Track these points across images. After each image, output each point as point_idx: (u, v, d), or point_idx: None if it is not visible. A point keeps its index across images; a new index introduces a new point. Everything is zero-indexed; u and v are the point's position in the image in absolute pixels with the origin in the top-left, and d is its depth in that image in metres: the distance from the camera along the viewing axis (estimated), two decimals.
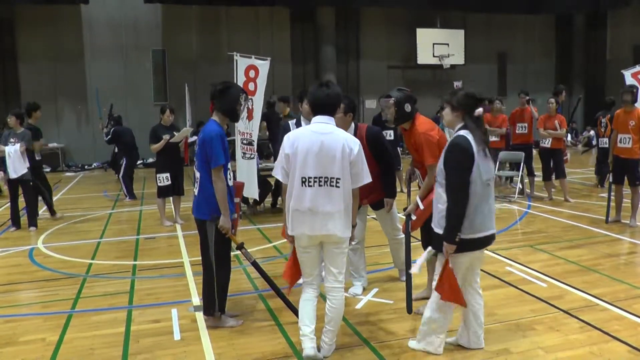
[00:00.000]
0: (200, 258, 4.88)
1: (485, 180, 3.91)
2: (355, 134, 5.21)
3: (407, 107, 4.91)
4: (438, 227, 4.03)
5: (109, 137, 12.52)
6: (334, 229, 3.94)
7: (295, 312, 4.80)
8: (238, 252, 5.03)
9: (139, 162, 14.80)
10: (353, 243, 5.56)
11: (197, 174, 4.72)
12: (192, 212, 4.89)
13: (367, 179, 4.03)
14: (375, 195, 5.47)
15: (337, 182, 3.91)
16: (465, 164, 3.85)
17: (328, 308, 4.11)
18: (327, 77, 19.72)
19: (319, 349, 4.14)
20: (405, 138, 5.18)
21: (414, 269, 4.34)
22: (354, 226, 4.15)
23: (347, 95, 5.30)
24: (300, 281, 4.26)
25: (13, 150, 8.78)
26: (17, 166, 8.82)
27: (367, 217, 5.87)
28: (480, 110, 4.02)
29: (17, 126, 9.08)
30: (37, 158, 9.66)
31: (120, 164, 12.33)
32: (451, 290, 4.02)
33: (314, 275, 4.17)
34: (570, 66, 23.90)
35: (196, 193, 4.75)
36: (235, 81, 9.94)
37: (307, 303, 4.14)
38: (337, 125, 4.98)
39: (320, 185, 3.91)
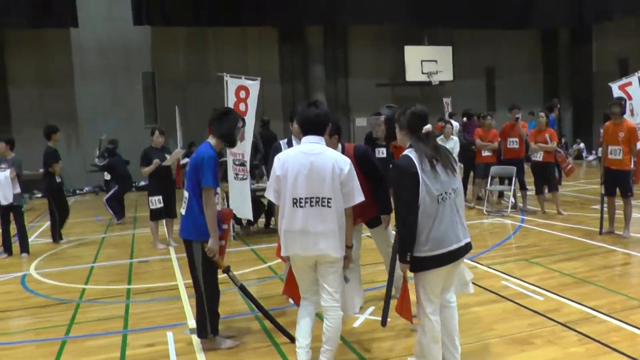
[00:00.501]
0: None
1: (438, 196, 3.84)
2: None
3: None
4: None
5: (102, 166, 12.89)
6: (326, 248, 3.92)
7: (286, 334, 4.79)
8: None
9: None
10: (352, 265, 5.57)
11: (186, 194, 4.70)
12: (179, 233, 4.85)
13: (359, 197, 4.02)
14: (368, 213, 5.47)
15: (328, 202, 3.90)
16: (406, 185, 3.82)
17: (325, 327, 4.08)
18: (316, 96, 19.81)
19: None
20: (396, 155, 5.18)
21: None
22: (349, 247, 4.12)
23: (334, 119, 5.27)
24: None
25: (3, 177, 8.71)
26: (7, 193, 8.74)
27: (362, 235, 5.84)
28: (428, 127, 4.00)
29: (8, 152, 9.03)
30: (57, 180, 9.84)
31: (110, 188, 12.44)
32: (407, 311, 4.05)
33: (312, 291, 4.16)
34: (557, 80, 24.15)
35: (183, 213, 4.72)
36: (225, 102, 9.98)
37: (304, 318, 4.13)
38: None
39: (311, 206, 3.90)
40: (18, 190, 8.90)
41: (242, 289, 4.99)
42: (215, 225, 4.57)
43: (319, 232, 3.90)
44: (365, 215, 5.46)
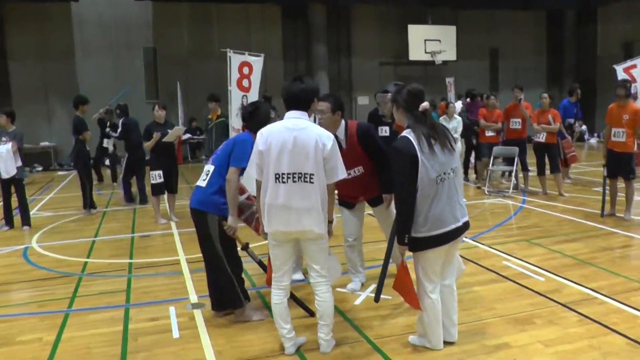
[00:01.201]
0: (198, 255, 4.87)
1: (437, 177, 3.84)
2: (345, 132, 5.20)
3: None
4: None
5: (120, 130, 11.32)
6: (309, 224, 3.92)
7: (306, 308, 4.80)
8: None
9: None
10: (350, 240, 5.59)
11: (210, 167, 4.71)
12: (191, 204, 4.82)
13: (341, 174, 4.00)
14: (371, 191, 5.47)
15: (310, 178, 3.88)
16: (403, 166, 3.83)
17: (317, 303, 4.13)
18: (319, 75, 19.74)
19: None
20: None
21: None
22: (330, 222, 4.11)
23: (332, 94, 5.24)
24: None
25: (5, 150, 8.69)
26: (9, 166, 8.73)
27: (364, 213, 5.85)
28: (425, 104, 3.99)
29: (9, 125, 9.00)
30: (87, 148, 10.22)
31: (119, 159, 11.98)
32: (402, 286, 4.10)
33: (284, 270, 4.14)
34: (561, 62, 23.97)
35: (203, 185, 4.70)
36: (228, 78, 9.95)
37: (277, 306, 4.15)
38: (326, 125, 4.98)
39: (294, 182, 3.89)
40: (19, 163, 8.90)
41: (261, 265, 5.00)
42: (235, 204, 4.57)
43: (302, 207, 3.89)
44: (368, 193, 5.46)
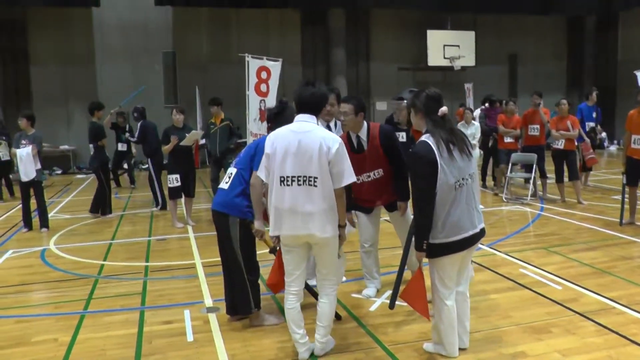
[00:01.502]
0: (214, 259, 4.87)
1: (455, 183, 3.81)
2: (367, 133, 5.21)
3: None
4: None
5: (137, 133, 11.12)
6: (315, 228, 3.90)
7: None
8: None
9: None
10: (366, 245, 5.56)
11: (233, 171, 4.72)
12: (213, 206, 4.82)
13: (349, 178, 3.95)
14: (387, 196, 5.44)
15: (314, 181, 3.86)
16: (425, 173, 3.79)
17: (319, 305, 4.13)
18: (337, 79, 19.76)
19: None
20: (417, 139, 5.14)
21: None
22: (342, 226, 4.07)
23: (354, 95, 5.28)
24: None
25: (25, 154, 8.77)
26: (28, 169, 8.79)
27: (380, 219, 5.82)
28: (444, 109, 3.97)
29: (29, 128, 9.08)
30: (106, 154, 10.31)
31: (140, 167, 12.00)
32: (413, 295, 4.06)
33: (296, 275, 4.14)
34: (582, 68, 23.73)
35: (226, 188, 4.71)
36: (247, 83, 9.98)
37: (290, 311, 4.14)
38: (349, 126, 5.03)
39: (299, 185, 3.88)
40: (39, 166, 8.97)
41: None
42: (261, 208, 4.54)
43: (307, 212, 3.88)
44: (384, 198, 5.44)
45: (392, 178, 5.32)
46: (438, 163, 3.77)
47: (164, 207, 10.72)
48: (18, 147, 8.91)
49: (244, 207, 4.62)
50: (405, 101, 4.90)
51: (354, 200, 5.45)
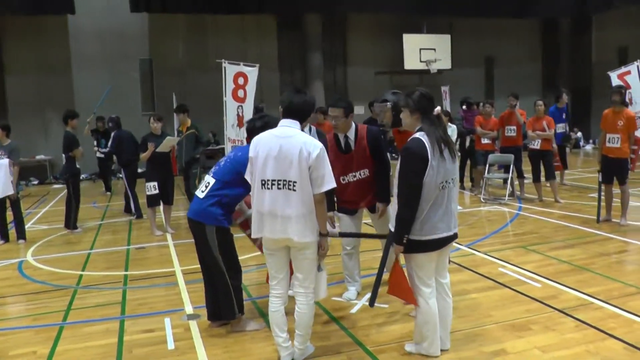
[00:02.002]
0: (193, 266, 4.84)
1: (440, 184, 3.87)
2: (355, 134, 5.31)
3: None
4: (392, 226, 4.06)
5: (111, 143, 11.18)
6: (292, 233, 3.91)
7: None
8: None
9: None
10: (348, 248, 5.58)
11: (211, 180, 4.68)
12: (188, 213, 4.79)
13: (328, 185, 3.94)
14: (370, 197, 5.47)
15: (293, 186, 3.88)
16: (415, 168, 3.84)
17: (296, 313, 4.11)
18: (315, 84, 19.79)
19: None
20: (398, 141, 5.19)
21: None
22: (323, 235, 4.05)
23: (341, 97, 5.44)
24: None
25: (3, 167, 8.58)
26: (6, 184, 8.58)
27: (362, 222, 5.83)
28: (438, 108, 4.03)
29: (4, 138, 8.92)
30: (77, 166, 9.74)
31: (118, 176, 11.74)
32: (398, 288, 4.10)
33: (279, 279, 4.14)
34: (557, 69, 24.03)
35: (202, 196, 4.67)
36: (224, 89, 9.96)
37: (274, 314, 4.14)
38: (340, 128, 5.20)
39: (279, 189, 3.90)
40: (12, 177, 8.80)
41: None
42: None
43: (286, 215, 3.89)
44: (368, 199, 5.47)
45: (376, 178, 5.36)
46: (429, 161, 3.82)
47: (139, 217, 10.66)
48: None
49: (219, 215, 4.60)
50: (389, 103, 4.95)
51: (339, 202, 5.51)
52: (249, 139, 4.76)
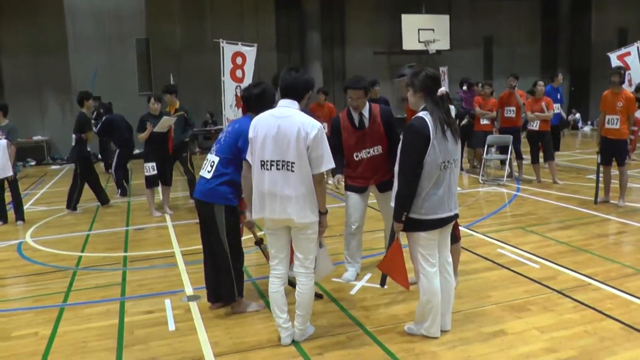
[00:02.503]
0: (193, 247, 4.84)
1: (442, 163, 3.89)
2: (370, 112, 5.41)
3: None
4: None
5: (100, 127, 11.52)
6: (292, 213, 3.91)
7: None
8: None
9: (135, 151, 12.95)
10: (353, 227, 5.64)
11: (214, 159, 4.65)
12: (195, 194, 4.78)
13: (328, 164, 3.94)
14: (381, 175, 5.49)
15: (292, 167, 3.88)
16: (417, 146, 3.85)
17: (296, 293, 4.14)
18: (313, 65, 19.66)
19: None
20: (409, 118, 5.22)
21: None
22: (323, 213, 4.06)
23: (359, 76, 5.55)
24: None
25: (0, 146, 8.56)
26: (5, 165, 8.58)
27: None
28: (443, 89, 4.02)
29: (1, 119, 8.86)
30: (87, 149, 9.83)
31: (113, 154, 11.85)
32: (391, 265, 4.15)
33: (280, 259, 4.17)
34: (556, 50, 23.93)
35: (208, 177, 4.64)
36: (222, 69, 9.90)
37: (274, 295, 4.16)
38: (360, 107, 5.30)
39: (278, 169, 3.91)
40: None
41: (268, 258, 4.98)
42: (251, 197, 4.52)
43: (286, 196, 3.90)
44: (378, 176, 5.51)
45: (390, 155, 5.38)
46: (431, 140, 3.83)
47: (124, 194, 11.04)
48: None
49: (228, 193, 4.58)
50: (406, 77, 4.98)
51: (349, 180, 5.59)
52: (245, 107, 4.76)
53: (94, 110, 14.15)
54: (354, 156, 5.46)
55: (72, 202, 9.85)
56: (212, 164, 4.66)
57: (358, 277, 5.66)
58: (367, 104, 5.44)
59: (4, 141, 8.60)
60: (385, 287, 5.06)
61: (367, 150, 5.45)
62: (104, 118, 11.35)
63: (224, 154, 4.62)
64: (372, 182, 5.57)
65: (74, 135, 9.79)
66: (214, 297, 4.97)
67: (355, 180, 5.57)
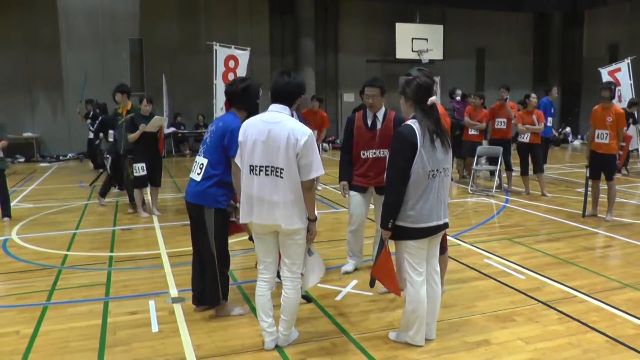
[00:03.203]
0: (179, 249, 4.81)
1: (430, 172, 3.89)
2: (384, 116, 5.61)
3: None
4: None
5: (96, 126, 11.74)
6: (280, 219, 3.90)
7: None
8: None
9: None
10: (355, 226, 5.82)
11: (202, 161, 4.62)
12: (186, 197, 4.75)
13: (316, 172, 3.93)
14: (382, 177, 5.52)
15: (281, 172, 3.86)
16: (404, 153, 3.86)
17: (282, 298, 4.12)
18: (306, 70, 19.69)
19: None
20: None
21: None
22: (312, 220, 4.03)
23: (377, 77, 5.81)
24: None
25: None
26: None
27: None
28: (433, 98, 4.02)
29: None
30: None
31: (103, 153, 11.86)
32: (383, 271, 4.15)
33: (267, 263, 4.15)
34: (547, 63, 24.13)
35: (198, 179, 4.62)
36: (214, 72, 9.88)
37: (260, 299, 4.15)
38: (375, 106, 5.53)
39: (266, 175, 3.89)
40: (1, 154, 8.75)
41: None
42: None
43: (274, 201, 3.88)
44: (379, 179, 5.64)
45: None
46: (418, 148, 3.84)
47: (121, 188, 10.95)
48: None
49: (219, 196, 4.56)
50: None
51: (352, 178, 5.81)
52: (228, 103, 4.73)
53: (89, 111, 14.28)
54: (361, 154, 5.69)
55: (103, 191, 10.18)
56: (201, 166, 4.63)
57: (347, 279, 5.70)
58: (384, 108, 5.64)
59: None
60: (380, 291, 5.14)
61: (374, 150, 5.66)
62: (99, 119, 11.41)
63: (211, 155, 4.59)
64: (373, 183, 5.73)
65: (111, 131, 9.99)
66: (198, 300, 4.94)
67: (358, 177, 5.77)
